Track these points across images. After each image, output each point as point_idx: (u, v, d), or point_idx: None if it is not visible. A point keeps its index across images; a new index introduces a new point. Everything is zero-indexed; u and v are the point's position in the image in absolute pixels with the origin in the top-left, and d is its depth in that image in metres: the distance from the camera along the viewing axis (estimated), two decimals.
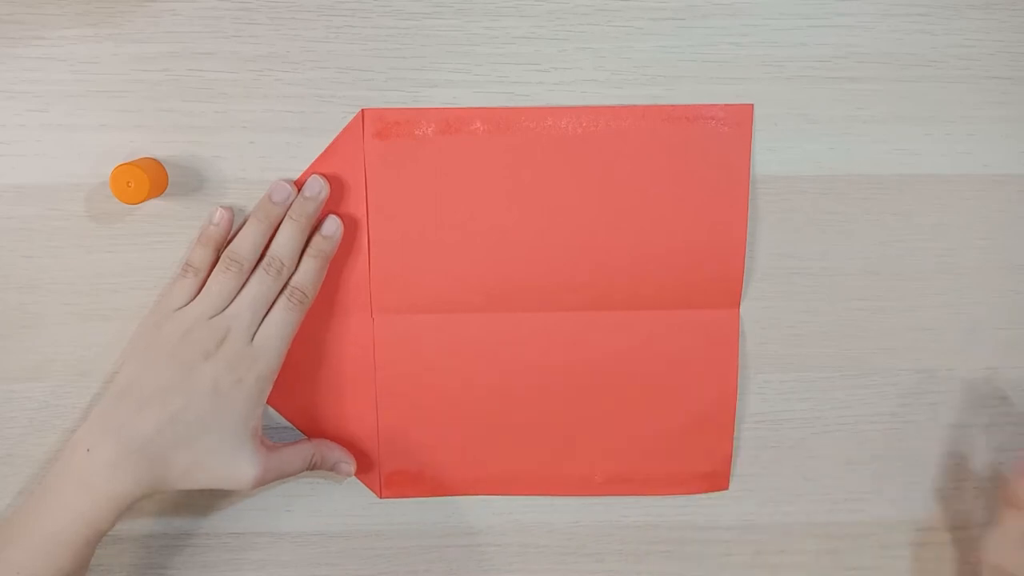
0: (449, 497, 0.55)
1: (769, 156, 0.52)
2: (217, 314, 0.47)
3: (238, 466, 0.47)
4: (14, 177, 0.50)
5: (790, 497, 0.55)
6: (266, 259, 0.48)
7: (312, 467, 0.51)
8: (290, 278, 0.49)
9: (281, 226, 0.49)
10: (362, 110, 0.50)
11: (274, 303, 0.48)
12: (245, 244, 0.48)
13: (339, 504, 0.55)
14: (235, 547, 0.55)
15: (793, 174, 0.52)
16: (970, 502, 0.56)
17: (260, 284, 0.48)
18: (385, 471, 0.54)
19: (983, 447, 0.56)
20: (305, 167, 0.50)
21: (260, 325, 0.48)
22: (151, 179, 0.47)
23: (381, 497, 0.54)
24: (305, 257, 0.49)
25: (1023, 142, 0.52)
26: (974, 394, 0.55)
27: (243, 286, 0.48)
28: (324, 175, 0.50)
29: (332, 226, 0.50)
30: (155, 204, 0.50)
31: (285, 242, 0.48)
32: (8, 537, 0.45)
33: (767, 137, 0.52)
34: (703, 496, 0.55)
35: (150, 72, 0.49)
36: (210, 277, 0.48)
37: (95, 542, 0.46)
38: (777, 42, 0.51)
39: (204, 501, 0.54)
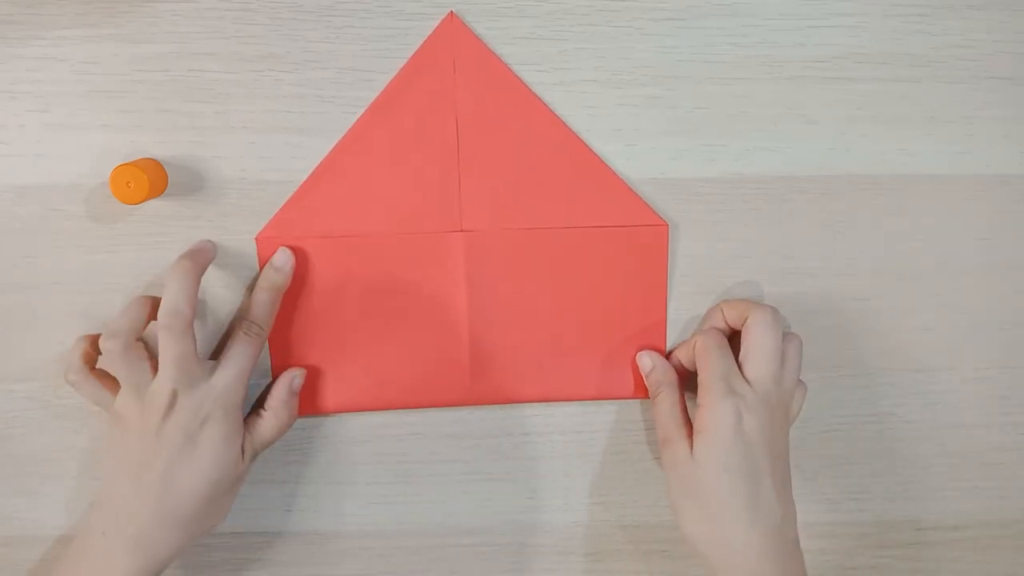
0: (444, 491, 0.55)
1: (769, 156, 0.52)
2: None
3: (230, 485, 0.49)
4: (14, 177, 0.50)
5: None
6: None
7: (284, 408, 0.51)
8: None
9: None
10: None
11: (232, 337, 0.50)
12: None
13: (339, 504, 0.55)
14: (235, 547, 0.55)
15: (793, 174, 0.52)
16: (970, 502, 0.56)
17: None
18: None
19: (983, 447, 0.56)
20: (305, 167, 0.50)
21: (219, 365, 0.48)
22: (151, 179, 0.47)
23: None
24: (257, 290, 0.50)
25: (1023, 142, 0.52)
26: (974, 394, 0.55)
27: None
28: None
29: (282, 258, 0.50)
30: (155, 204, 0.50)
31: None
32: None
33: (767, 137, 0.52)
34: None
35: (150, 72, 0.49)
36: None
37: None
38: (777, 42, 0.51)
39: None
